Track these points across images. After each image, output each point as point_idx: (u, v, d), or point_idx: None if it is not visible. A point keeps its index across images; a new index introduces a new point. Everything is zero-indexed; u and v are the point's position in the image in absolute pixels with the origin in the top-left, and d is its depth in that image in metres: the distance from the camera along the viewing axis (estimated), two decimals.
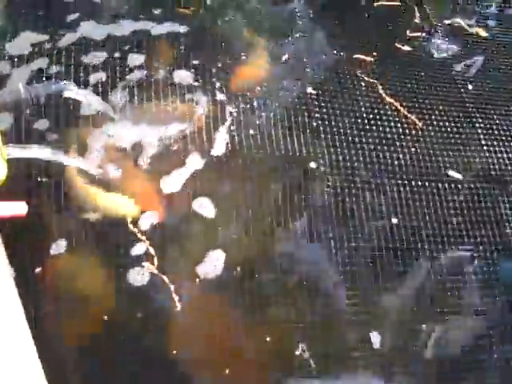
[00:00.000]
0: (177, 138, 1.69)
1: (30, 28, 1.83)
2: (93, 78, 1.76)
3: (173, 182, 1.62)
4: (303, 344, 1.49)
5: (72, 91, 1.73)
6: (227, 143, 1.71)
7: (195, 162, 1.66)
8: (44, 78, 1.71)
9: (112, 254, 1.49)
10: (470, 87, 2.09)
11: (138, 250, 1.50)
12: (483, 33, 2.40)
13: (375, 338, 1.55)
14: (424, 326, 1.60)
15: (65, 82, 1.74)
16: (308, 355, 1.48)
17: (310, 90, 1.90)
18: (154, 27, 1.92)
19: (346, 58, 2.03)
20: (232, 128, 1.74)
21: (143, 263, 1.48)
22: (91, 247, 1.49)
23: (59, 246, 1.47)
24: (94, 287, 1.47)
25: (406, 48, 2.14)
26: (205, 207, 1.60)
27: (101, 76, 1.77)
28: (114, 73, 1.78)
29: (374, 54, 2.06)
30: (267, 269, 1.56)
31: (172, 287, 1.47)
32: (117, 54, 1.82)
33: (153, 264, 1.48)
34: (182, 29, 1.95)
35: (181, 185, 1.61)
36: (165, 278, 1.47)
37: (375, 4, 2.31)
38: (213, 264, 1.53)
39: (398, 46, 2.14)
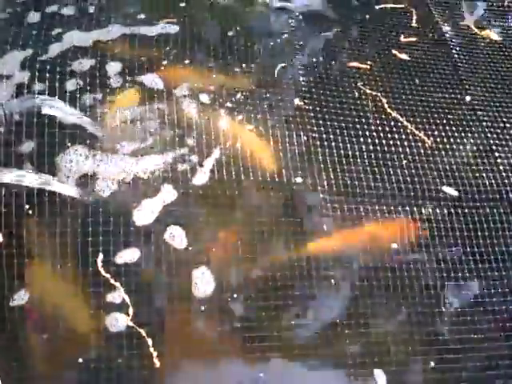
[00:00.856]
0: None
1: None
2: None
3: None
4: None
5: (49, 107, 1.58)
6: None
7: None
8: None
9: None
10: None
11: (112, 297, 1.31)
12: (495, 36, 2.21)
13: None
14: None
15: (41, 96, 1.60)
16: None
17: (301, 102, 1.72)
18: None
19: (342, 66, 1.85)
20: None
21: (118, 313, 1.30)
22: None
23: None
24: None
25: (404, 56, 1.93)
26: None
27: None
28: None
29: (370, 62, 1.88)
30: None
31: (150, 341, 1.28)
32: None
33: (127, 314, 1.29)
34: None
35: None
36: (141, 331, 1.28)
37: (377, 7, 2.12)
38: None
39: (395, 52, 1.94)
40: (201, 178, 1.52)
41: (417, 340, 1.42)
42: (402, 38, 2.02)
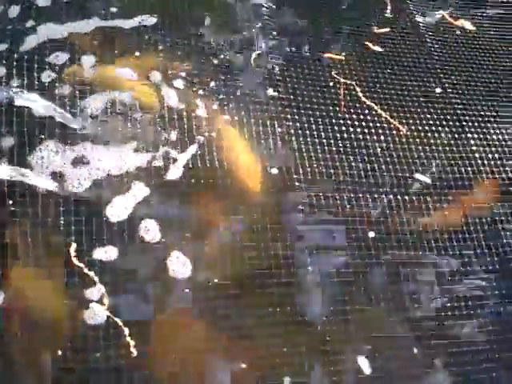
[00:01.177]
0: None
1: None
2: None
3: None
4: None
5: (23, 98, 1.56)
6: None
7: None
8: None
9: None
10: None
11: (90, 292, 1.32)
12: (469, 25, 2.24)
13: None
14: None
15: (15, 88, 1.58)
16: None
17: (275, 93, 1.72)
18: None
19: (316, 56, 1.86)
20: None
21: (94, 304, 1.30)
22: None
23: None
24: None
25: (377, 48, 1.95)
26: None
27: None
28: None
29: (344, 53, 1.90)
30: None
31: (126, 330, 1.28)
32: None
33: (103, 304, 1.29)
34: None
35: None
36: (118, 320, 1.29)
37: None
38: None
39: (368, 44, 1.96)
40: (174, 173, 1.52)
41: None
42: (375, 29, 2.02)
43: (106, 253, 1.36)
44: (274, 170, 1.58)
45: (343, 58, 1.88)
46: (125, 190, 1.45)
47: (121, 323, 1.29)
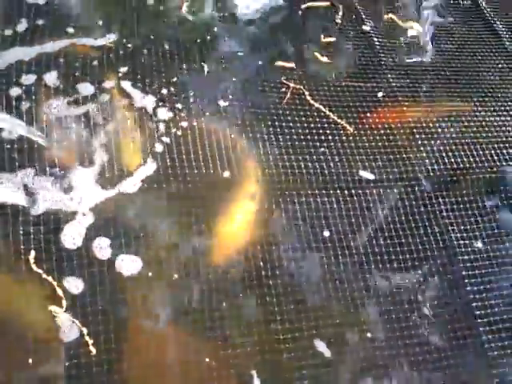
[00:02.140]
0: None
1: None
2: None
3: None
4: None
5: None
6: None
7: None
8: None
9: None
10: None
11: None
12: (418, 27, 2.34)
13: None
14: None
15: None
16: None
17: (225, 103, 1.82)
18: None
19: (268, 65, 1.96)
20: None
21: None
22: None
23: None
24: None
25: (325, 59, 2.05)
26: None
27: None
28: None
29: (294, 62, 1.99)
30: None
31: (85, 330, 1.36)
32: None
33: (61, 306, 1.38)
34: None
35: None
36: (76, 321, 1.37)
37: (302, 6, 2.23)
38: None
39: (316, 54, 2.06)
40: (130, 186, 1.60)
41: None
42: (322, 38, 2.12)
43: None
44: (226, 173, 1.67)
45: (294, 65, 1.98)
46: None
47: (79, 324, 1.37)
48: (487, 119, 2.02)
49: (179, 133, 1.72)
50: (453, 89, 2.10)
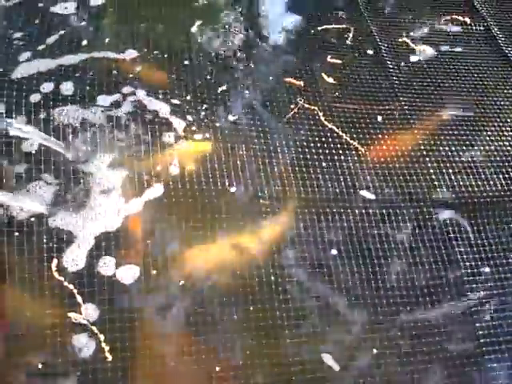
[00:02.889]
0: None
1: None
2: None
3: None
4: None
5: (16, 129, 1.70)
6: None
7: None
8: None
9: None
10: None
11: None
12: (430, 50, 2.40)
13: None
14: None
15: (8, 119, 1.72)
16: None
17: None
18: None
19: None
20: None
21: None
22: None
23: None
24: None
25: (330, 80, 2.11)
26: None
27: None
28: None
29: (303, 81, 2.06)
30: None
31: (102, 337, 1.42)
32: None
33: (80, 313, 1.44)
34: None
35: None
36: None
37: (319, 28, 2.30)
38: None
39: (323, 75, 2.12)
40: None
41: None
42: (328, 59, 2.19)
43: None
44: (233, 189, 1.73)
45: (302, 84, 2.04)
46: None
47: (97, 330, 1.43)
48: (498, 144, 2.06)
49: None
50: (465, 114, 2.14)
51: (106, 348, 1.41)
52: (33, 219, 1.55)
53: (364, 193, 1.81)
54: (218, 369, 1.46)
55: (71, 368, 1.39)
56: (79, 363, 1.39)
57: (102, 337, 1.42)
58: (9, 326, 1.41)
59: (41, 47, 1.98)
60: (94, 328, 1.42)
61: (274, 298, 1.56)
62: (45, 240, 1.52)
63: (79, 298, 1.45)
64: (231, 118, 1.89)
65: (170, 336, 1.49)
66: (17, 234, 1.52)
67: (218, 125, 1.86)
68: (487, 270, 1.75)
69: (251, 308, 1.54)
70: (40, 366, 1.38)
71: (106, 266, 1.53)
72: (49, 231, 1.54)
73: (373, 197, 1.81)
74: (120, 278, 1.51)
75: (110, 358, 1.41)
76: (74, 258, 1.52)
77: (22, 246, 1.50)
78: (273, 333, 1.53)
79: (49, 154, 1.68)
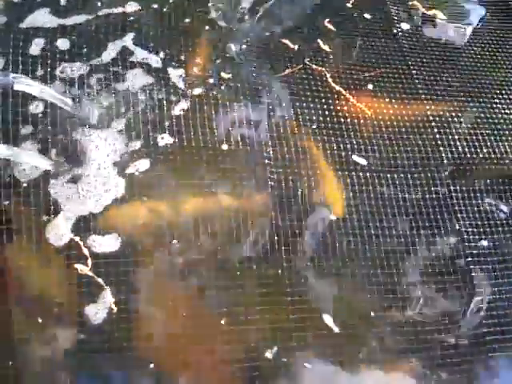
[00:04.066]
0: None
1: None
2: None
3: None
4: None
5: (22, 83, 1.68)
6: None
7: None
8: None
9: None
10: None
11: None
12: (441, 15, 2.36)
13: None
14: None
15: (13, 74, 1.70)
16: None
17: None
18: None
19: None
20: None
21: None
22: None
23: None
24: None
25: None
26: None
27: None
28: None
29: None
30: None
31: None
32: None
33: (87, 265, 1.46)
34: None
35: None
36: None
37: None
38: None
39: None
40: None
41: None
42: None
43: None
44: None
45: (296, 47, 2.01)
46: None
47: (103, 282, 1.45)
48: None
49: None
50: (472, 81, 2.13)
51: (112, 300, 1.44)
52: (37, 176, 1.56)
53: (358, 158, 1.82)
54: (222, 321, 1.49)
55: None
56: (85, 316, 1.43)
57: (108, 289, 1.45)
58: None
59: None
60: (99, 280, 1.45)
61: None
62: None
63: (85, 250, 1.47)
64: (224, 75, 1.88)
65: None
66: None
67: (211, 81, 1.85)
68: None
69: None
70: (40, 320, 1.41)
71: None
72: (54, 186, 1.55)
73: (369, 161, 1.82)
74: None
75: (115, 309, 1.44)
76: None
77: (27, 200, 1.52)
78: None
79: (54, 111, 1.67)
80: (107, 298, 1.44)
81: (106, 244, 1.50)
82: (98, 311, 1.44)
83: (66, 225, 1.49)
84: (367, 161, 1.80)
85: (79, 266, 1.45)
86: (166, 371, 1.44)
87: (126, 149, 1.65)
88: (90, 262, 1.46)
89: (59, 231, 1.48)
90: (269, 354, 1.49)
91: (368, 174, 1.79)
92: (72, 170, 1.58)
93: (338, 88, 1.92)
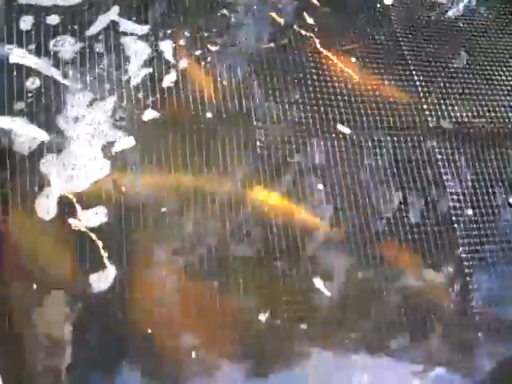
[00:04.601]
0: None
1: None
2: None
3: None
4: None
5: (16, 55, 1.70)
6: None
7: None
8: None
9: None
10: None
11: None
12: None
13: None
14: None
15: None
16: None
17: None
18: None
19: None
20: None
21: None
22: None
23: None
24: None
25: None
26: None
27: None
28: None
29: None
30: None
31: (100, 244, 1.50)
32: None
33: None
34: None
35: None
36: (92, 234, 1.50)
37: None
38: None
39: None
40: None
41: None
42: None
43: None
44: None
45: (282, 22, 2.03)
46: None
47: (95, 237, 1.50)
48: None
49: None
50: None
51: (105, 255, 1.49)
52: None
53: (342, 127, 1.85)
54: (216, 284, 1.54)
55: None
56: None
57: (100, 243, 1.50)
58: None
59: None
60: (92, 235, 1.50)
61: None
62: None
63: (78, 207, 1.52)
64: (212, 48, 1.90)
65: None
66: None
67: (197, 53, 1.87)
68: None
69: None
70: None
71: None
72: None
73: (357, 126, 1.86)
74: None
75: (108, 265, 1.49)
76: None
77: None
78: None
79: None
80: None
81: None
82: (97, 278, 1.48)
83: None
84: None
85: (72, 221, 1.49)
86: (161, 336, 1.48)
87: (112, 126, 1.68)
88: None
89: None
90: (262, 317, 1.54)
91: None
92: (62, 143, 1.61)
93: (325, 53, 1.95)
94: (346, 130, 1.83)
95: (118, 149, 1.63)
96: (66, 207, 1.51)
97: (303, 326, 1.55)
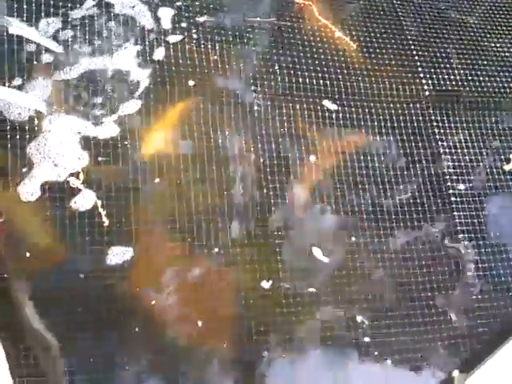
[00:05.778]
0: None
1: None
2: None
3: None
4: None
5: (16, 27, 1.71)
6: None
7: None
8: None
9: None
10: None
11: None
12: None
13: None
14: None
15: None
16: None
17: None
18: None
19: None
20: None
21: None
22: None
23: None
24: None
25: None
26: None
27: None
28: None
29: None
30: None
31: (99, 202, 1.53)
32: None
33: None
34: None
35: None
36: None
37: None
38: None
39: None
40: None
41: None
42: None
43: None
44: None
45: None
46: None
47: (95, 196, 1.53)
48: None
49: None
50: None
51: (103, 213, 1.52)
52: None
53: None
54: (216, 250, 1.57)
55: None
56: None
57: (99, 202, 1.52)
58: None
59: None
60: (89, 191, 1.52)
61: None
62: None
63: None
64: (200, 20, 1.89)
65: None
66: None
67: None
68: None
69: None
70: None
71: None
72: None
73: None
74: None
75: (106, 222, 1.52)
76: None
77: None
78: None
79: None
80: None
81: None
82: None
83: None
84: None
85: (71, 179, 1.52)
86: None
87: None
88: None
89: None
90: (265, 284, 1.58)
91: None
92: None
93: (324, 21, 1.96)
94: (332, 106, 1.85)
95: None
96: None
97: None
